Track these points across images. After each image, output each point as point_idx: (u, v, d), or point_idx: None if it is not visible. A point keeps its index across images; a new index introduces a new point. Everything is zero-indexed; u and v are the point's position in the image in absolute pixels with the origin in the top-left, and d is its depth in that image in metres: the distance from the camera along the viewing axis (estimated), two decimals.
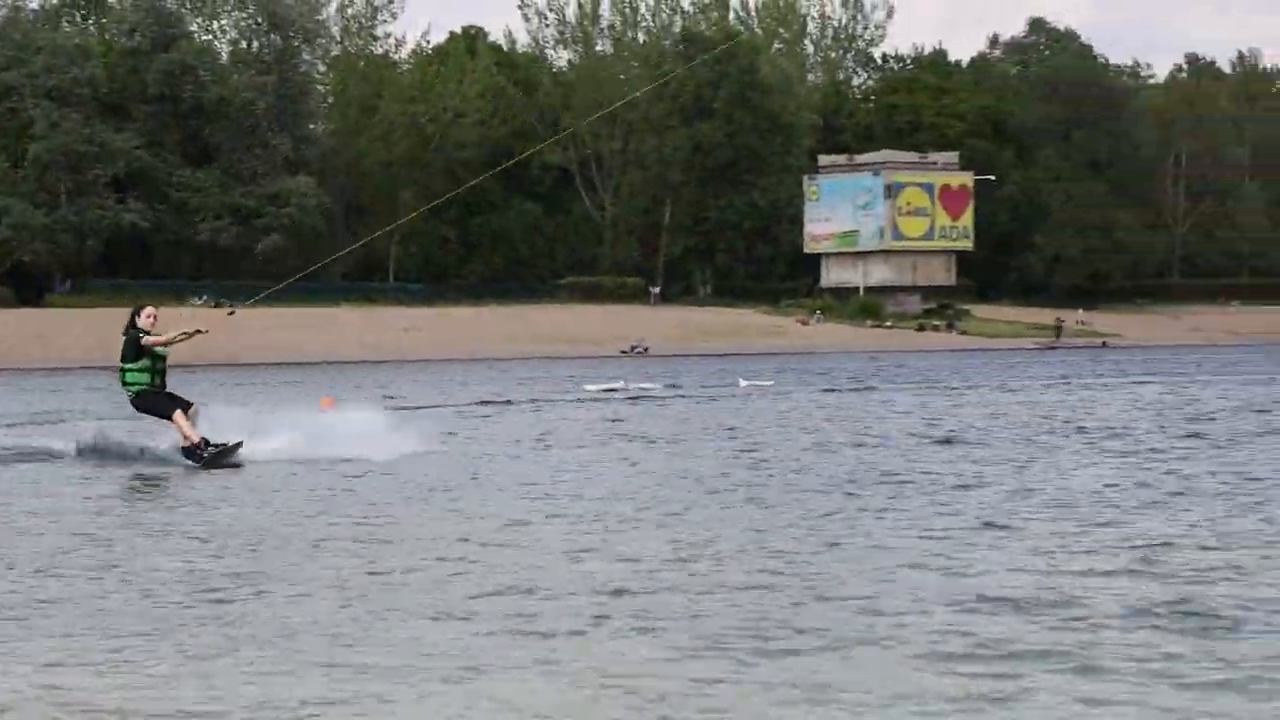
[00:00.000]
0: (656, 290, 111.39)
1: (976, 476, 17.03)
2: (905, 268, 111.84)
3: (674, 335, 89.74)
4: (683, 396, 36.12)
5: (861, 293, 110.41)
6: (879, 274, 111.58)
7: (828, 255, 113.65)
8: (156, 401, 20.87)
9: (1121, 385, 42.72)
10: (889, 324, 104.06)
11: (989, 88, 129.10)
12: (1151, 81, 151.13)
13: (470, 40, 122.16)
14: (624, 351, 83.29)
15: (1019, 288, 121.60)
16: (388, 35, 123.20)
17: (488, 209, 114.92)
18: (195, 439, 20.42)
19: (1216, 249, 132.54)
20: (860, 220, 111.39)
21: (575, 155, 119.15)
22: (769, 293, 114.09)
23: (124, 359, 21.00)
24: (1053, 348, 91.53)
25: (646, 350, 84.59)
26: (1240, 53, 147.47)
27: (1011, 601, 9.51)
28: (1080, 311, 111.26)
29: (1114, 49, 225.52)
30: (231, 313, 26.17)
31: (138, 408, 21.15)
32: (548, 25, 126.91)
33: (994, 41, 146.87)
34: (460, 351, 77.09)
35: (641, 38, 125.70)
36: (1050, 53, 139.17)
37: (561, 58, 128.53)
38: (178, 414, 20.57)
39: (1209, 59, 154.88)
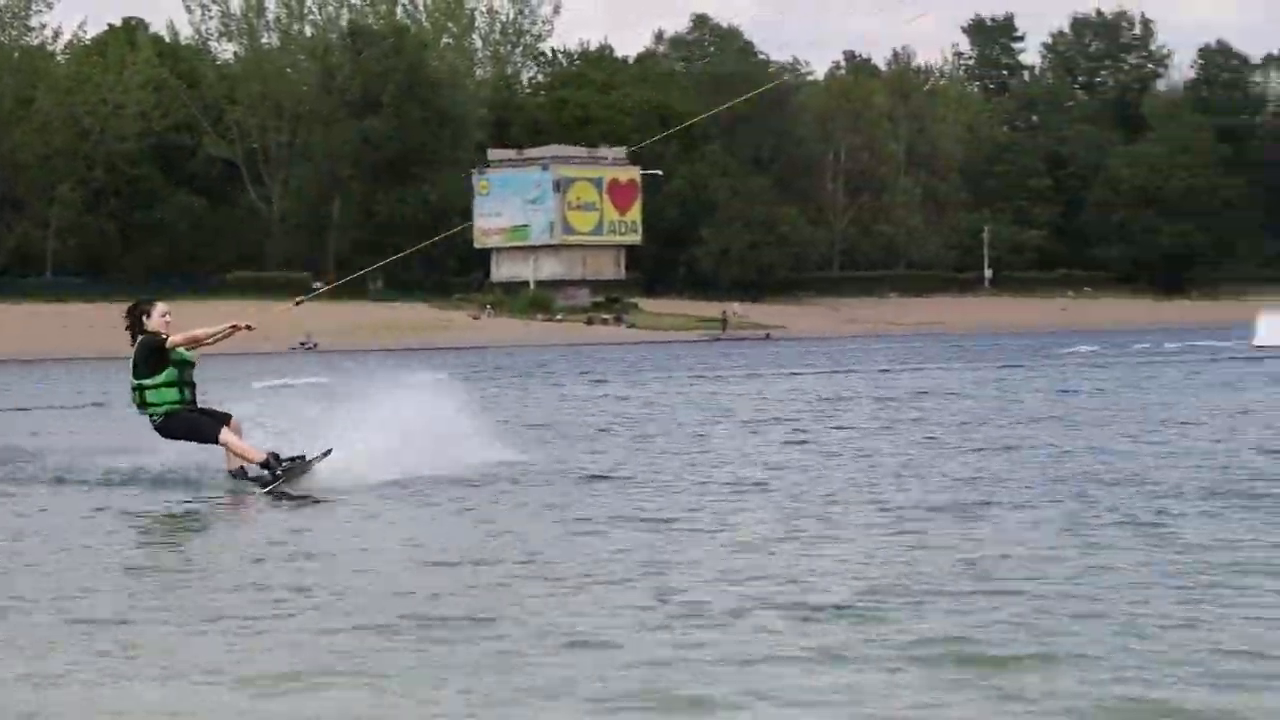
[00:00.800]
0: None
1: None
2: (575, 262, 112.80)
3: (344, 331, 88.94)
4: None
5: (532, 287, 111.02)
6: (549, 268, 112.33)
7: (498, 250, 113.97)
8: (194, 423, 16.27)
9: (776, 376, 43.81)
10: (559, 318, 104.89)
11: (655, 83, 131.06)
12: (810, 78, 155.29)
13: (130, 32, 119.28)
14: (293, 348, 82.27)
15: (687, 281, 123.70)
16: (43, 26, 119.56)
17: (150, 201, 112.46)
18: (260, 455, 15.98)
19: (873, 244, 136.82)
20: (530, 215, 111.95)
21: (241, 148, 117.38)
22: (440, 287, 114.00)
23: (139, 373, 16.20)
24: (718, 339, 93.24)
25: (315, 346, 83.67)
26: (895, 51, 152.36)
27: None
28: (735, 305, 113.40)
29: (776, 46, 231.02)
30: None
31: (167, 434, 16.40)
32: (211, 18, 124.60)
33: (659, 38, 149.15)
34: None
35: (309, 30, 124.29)
36: (714, 49, 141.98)
37: (226, 50, 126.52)
38: (225, 432, 16.11)
39: (866, 56, 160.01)
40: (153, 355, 16.20)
